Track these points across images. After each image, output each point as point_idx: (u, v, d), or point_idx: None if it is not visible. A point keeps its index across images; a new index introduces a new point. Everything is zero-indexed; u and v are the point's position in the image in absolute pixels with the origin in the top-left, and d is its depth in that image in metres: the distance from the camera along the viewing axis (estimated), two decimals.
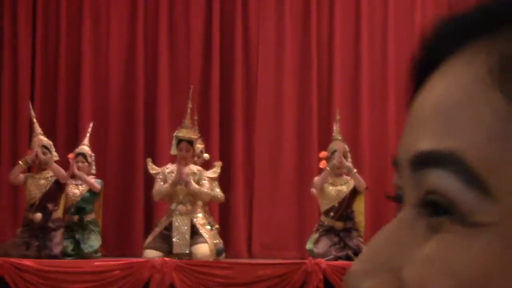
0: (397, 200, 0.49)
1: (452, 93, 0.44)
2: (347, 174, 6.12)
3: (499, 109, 0.42)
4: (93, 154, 6.47)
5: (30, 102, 6.73)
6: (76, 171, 6.12)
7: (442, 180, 0.43)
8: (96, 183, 6.29)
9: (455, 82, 0.44)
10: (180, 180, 5.75)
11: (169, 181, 5.83)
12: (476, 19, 0.46)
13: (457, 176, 0.42)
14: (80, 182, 6.31)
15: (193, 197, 5.88)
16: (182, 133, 5.91)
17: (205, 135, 7.00)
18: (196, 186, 5.81)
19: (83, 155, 6.37)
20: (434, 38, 0.49)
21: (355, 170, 5.91)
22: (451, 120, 0.43)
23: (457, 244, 0.42)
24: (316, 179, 6.10)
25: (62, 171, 6.00)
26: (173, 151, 6.00)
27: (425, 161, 0.44)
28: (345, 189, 5.98)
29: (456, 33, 0.46)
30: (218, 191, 6.27)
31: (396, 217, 0.46)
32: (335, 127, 6.19)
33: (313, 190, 6.10)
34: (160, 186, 5.91)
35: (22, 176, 6.02)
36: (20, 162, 6.01)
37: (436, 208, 0.43)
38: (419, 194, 0.44)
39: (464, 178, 0.42)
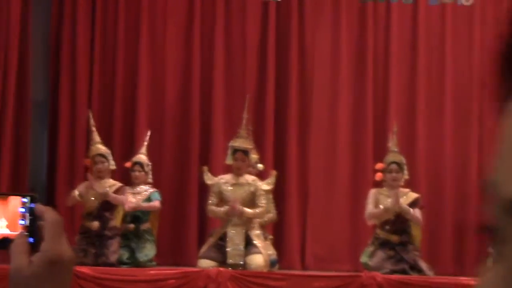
0: (491, 232, 0.44)
1: None
2: (404, 186, 6.05)
3: None
4: (150, 163, 6.53)
5: (89, 110, 6.80)
6: (130, 206, 6.15)
7: None
8: (154, 202, 6.31)
9: None
10: (233, 214, 5.78)
11: (224, 208, 5.85)
12: None
13: None
14: (137, 191, 6.36)
15: None
16: (238, 143, 5.95)
17: (259, 145, 6.99)
18: (251, 212, 5.83)
19: (140, 164, 6.42)
20: None
21: (411, 210, 5.81)
22: None
23: None
24: (369, 211, 6.00)
25: (123, 200, 6.04)
26: (229, 160, 6.02)
27: None
28: (402, 201, 5.89)
29: None
30: (272, 212, 6.24)
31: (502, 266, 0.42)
32: (392, 139, 6.12)
33: (369, 221, 6.09)
34: (214, 207, 5.95)
35: (77, 195, 6.06)
36: (77, 195, 6.03)
37: None
38: None
39: None
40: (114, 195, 5.96)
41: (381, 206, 5.80)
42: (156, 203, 6.33)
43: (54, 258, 0.95)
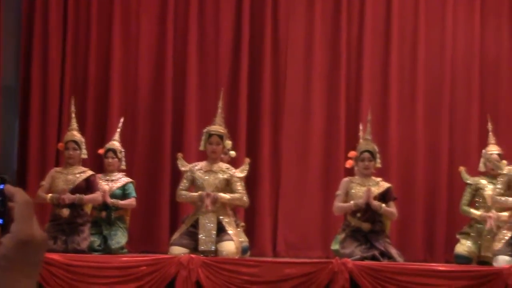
0: None
1: None
2: (376, 175, 6.08)
3: None
4: (123, 150, 6.51)
5: (73, 97, 6.71)
6: (109, 200, 6.12)
7: None
8: (131, 199, 6.29)
9: None
10: (207, 201, 5.76)
11: (197, 193, 5.84)
12: None
13: None
14: (110, 178, 6.34)
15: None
16: (214, 128, 5.98)
17: (232, 134, 7.00)
18: (227, 196, 5.84)
19: (113, 151, 6.40)
20: None
21: (383, 206, 5.84)
22: None
23: None
24: (337, 205, 6.01)
25: (97, 199, 5.99)
26: (202, 146, 6.03)
27: None
28: (374, 190, 5.92)
29: None
30: (245, 196, 6.21)
31: None
32: (367, 127, 6.14)
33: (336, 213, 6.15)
34: (185, 192, 5.93)
35: (44, 196, 5.96)
36: (48, 198, 5.93)
37: None
38: None
39: None
40: (87, 196, 5.93)
41: (352, 202, 5.83)
42: (132, 200, 6.32)
43: (25, 239, 0.95)
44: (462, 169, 6.63)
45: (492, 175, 6.38)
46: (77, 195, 5.85)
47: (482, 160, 6.52)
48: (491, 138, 6.59)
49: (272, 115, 7.77)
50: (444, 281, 5.13)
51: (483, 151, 6.57)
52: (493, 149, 6.47)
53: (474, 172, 6.60)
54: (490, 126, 6.70)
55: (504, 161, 5.97)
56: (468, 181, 6.48)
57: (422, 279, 5.14)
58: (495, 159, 6.07)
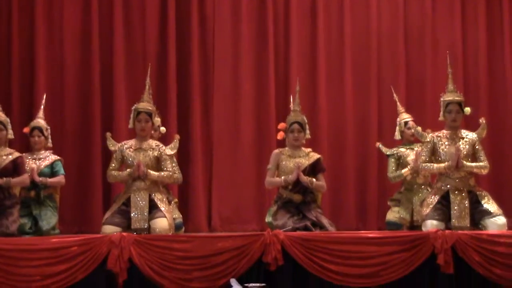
0: None
1: None
2: (306, 146, 6.12)
3: None
4: (48, 127, 6.39)
5: None
6: (37, 178, 6.01)
7: None
8: (60, 177, 6.20)
9: None
10: (137, 175, 5.73)
11: (127, 170, 5.79)
12: None
13: None
14: (37, 157, 6.23)
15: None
16: (141, 105, 5.91)
17: (162, 110, 6.96)
18: (155, 174, 5.79)
19: (39, 129, 6.28)
20: None
21: (314, 181, 5.88)
22: None
23: None
24: (268, 180, 6.05)
25: (25, 181, 5.88)
26: (131, 124, 5.97)
27: None
28: (304, 161, 5.96)
29: None
30: (176, 173, 6.18)
31: None
32: (296, 98, 6.16)
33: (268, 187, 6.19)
34: (115, 172, 5.87)
35: None
36: None
37: None
38: None
39: None
40: (15, 179, 5.80)
41: (282, 178, 5.87)
42: (61, 178, 6.22)
43: None
44: (378, 144, 6.76)
45: (409, 141, 6.55)
46: (4, 179, 5.73)
47: (397, 128, 6.66)
48: (400, 107, 6.75)
49: (202, 89, 7.75)
50: (374, 248, 5.21)
51: (397, 120, 6.69)
52: (405, 117, 6.64)
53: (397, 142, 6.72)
54: (395, 96, 6.85)
55: (429, 130, 6.09)
56: (388, 153, 6.61)
57: (352, 247, 5.21)
58: (416, 127, 6.19)
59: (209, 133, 7.73)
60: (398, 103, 6.79)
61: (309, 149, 6.14)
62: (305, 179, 5.82)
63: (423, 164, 5.83)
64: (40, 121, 6.34)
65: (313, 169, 5.99)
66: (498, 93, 8.13)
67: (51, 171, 6.23)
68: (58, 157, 6.34)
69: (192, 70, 7.70)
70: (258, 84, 7.80)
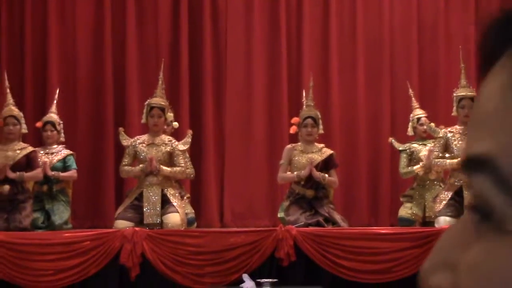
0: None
1: (492, 97, 0.43)
2: (318, 142, 6.11)
3: None
4: (61, 122, 6.41)
5: (5, 72, 6.56)
6: (49, 172, 6.02)
7: (483, 186, 0.42)
8: (72, 172, 6.21)
9: (498, 86, 0.44)
10: (150, 170, 5.73)
11: (140, 166, 5.80)
12: None
13: (494, 182, 0.41)
14: (50, 151, 6.25)
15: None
16: (155, 100, 5.93)
17: (175, 105, 6.96)
18: (168, 169, 5.80)
19: (52, 123, 6.29)
20: (497, 29, 0.47)
21: (326, 176, 5.87)
22: (489, 125, 0.43)
23: (494, 252, 0.41)
24: (281, 175, 6.04)
25: (38, 175, 5.90)
26: (144, 119, 5.98)
27: (470, 165, 0.43)
28: (316, 157, 5.95)
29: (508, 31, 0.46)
30: (189, 168, 6.18)
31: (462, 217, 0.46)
32: (310, 93, 6.15)
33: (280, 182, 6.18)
34: (128, 167, 5.89)
35: None
36: None
37: (481, 213, 0.43)
38: (471, 198, 0.45)
39: (498, 184, 0.41)
40: (28, 174, 5.83)
41: (295, 173, 5.86)
42: (73, 172, 6.23)
43: None
44: (391, 139, 6.73)
45: (422, 138, 6.52)
46: (18, 173, 5.76)
47: (410, 124, 6.62)
48: (415, 103, 6.70)
49: (214, 84, 7.74)
50: (387, 244, 5.20)
51: (410, 116, 6.66)
52: (419, 113, 6.60)
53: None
54: (411, 91, 6.80)
55: (442, 126, 6.06)
56: (401, 148, 6.58)
57: (365, 243, 5.21)
58: (428, 124, 6.16)
59: (222, 128, 7.72)
60: (413, 99, 6.75)
61: (322, 145, 6.14)
62: (317, 174, 5.80)
63: (436, 160, 5.81)
64: (52, 115, 6.36)
65: (326, 165, 5.98)
66: None
67: (64, 165, 6.24)
68: (71, 152, 6.36)
69: (204, 66, 7.69)
70: (270, 79, 7.79)
